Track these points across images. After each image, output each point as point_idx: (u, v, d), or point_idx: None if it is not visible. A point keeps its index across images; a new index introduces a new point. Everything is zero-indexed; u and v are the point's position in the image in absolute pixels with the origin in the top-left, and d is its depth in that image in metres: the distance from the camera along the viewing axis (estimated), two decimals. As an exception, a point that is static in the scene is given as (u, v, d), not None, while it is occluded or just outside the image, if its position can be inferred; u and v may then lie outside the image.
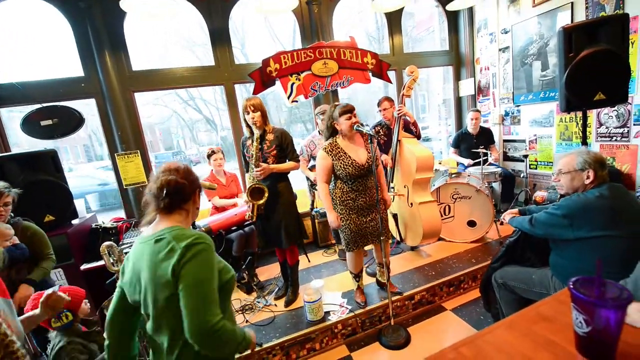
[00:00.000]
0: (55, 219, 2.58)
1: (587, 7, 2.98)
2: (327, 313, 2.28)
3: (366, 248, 2.41)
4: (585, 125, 2.51)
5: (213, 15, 3.30)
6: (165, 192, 1.01)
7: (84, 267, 2.55)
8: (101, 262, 2.32)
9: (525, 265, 1.94)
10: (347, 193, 2.17)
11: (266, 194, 2.25)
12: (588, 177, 1.62)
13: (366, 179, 2.15)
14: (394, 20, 4.08)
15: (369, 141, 1.93)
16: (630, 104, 2.82)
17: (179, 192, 1.03)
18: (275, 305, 2.50)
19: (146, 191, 1.05)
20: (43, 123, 2.82)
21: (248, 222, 2.75)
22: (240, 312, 2.44)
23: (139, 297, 1.01)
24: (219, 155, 3.11)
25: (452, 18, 4.40)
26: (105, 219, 3.03)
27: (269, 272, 3.13)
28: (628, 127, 2.89)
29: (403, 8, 3.94)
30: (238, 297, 2.66)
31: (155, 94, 14.48)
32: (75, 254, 2.57)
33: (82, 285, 2.53)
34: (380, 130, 3.15)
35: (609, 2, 2.82)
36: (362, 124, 2.08)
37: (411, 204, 2.85)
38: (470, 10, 4.21)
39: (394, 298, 2.35)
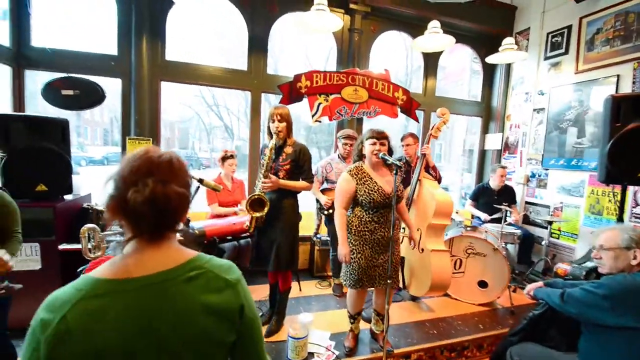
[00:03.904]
0: (48, 190, 2.44)
1: (634, 82, 2.88)
2: (311, 355, 2.01)
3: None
4: (623, 201, 2.33)
5: (255, 22, 3.32)
6: (160, 210, 0.64)
7: (62, 246, 2.36)
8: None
9: (548, 346, 1.68)
10: (365, 223, 1.97)
11: (266, 208, 2.07)
12: (635, 258, 1.43)
13: (389, 212, 1.97)
14: (431, 62, 4.07)
15: (394, 172, 1.78)
16: (673, 188, 2.63)
17: (181, 209, 0.69)
18: (255, 332, 2.23)
19: (110, 196, 0.65)
20: (64, 92, 2.77)
21: (245, 235, 2.57)
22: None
23: None
24: (234, 161, 2.99)
25: (489, 71, 4.38)
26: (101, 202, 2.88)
27: (256, 293, 2.87)
28: (668, 213, 2.68)
29: (442, 52, 3.95)
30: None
31: (183, 93, 14.91)
32: (58, 231, 2.39)
33: (55, 265, 2.36)
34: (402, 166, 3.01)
35: (659, 80, 2.72)
36: (386, 154, 1.94)
37: (422, 249, 2.62)
38: (509, 66, 4.19)
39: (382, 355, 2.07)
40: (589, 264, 2.70)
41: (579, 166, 3.35)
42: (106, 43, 3.08)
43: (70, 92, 2.80)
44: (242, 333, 0.69)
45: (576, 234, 3.38)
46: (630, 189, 2.87)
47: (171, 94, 13.50)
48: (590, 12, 3.24)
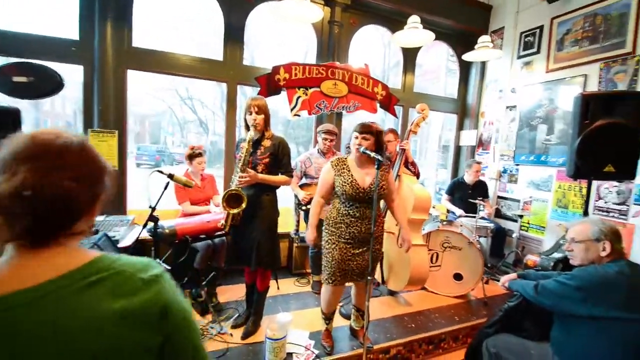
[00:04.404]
0: None
1: (600, 82, 3.03)
2: (290, 355, 1.95)
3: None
4: (588, 195, 2.44)
5: (232, 10, 3.17)
6: (36, 207, 0.51)
7: None
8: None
9: (521, 336, 1.72)
10: (342, 216, 1.95)
11: (244, 204, 1.98)
12: (604, 249, 1.48)
13: (367, 207, 1.95)
14: (410, 57, 4.08)
15: (376, 167, 1.74)
16: (633, 182, 2.79)
17: (77, 206, 0.57)
18: (231, 335, 2.14)
19: None
20: (16, 79, 2.49)
21: (219, 233, 2.45)
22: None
23: None
24: (203, 159, 2.75)
25: (464, 68, 4.46)
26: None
27: (232, 293, 2.77)
28: (627, 206, 2.84)
29: (421, 48, 3.97)
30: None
31: (154, 84, 14.22)
32: None
33: None
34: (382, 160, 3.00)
35: (623, 81, 2.86)
36: (367, 149, 1.90)
37: (401, 244, 2.63)
38: (483, 64, 4.29)
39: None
40: (556, 255, 2.83)
41: (548, 162, 3.49)
42: (66, 26, 2.82)
43: (24, 79, 2.53)
44: (170, 332, 0.59)
45: (544, 227, 3.54)
46: (594, 183, 3.02)
47: (141, 84, 12.83)
48: (561, 12, 3.36)
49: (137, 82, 3.00)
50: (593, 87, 3.07)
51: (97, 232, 2.03)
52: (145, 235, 2.08)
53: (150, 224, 1.79)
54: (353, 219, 1.93)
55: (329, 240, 1.97)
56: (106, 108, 2.77)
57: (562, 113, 3.37)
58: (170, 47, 3.00)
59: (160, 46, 2.95)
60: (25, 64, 2.51)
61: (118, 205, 2.88)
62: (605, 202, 3.00)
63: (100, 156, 0.62)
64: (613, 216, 2.91)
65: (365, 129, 1.90)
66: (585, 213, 2.45)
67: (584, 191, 2.69)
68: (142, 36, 3.01)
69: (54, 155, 0.54)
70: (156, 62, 2.95)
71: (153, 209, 1.76)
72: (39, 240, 0.54)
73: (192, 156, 2.72)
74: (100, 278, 0.55)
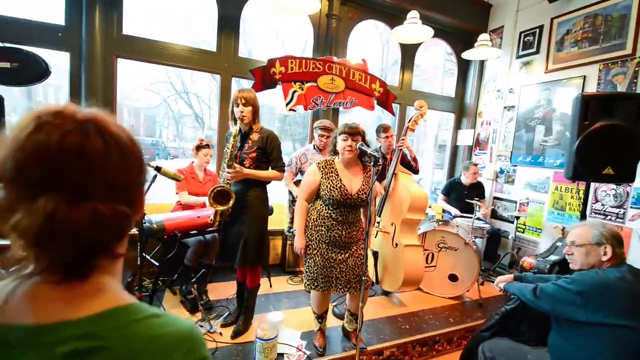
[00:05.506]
0: None
1: (599, 83, 3.00)
2: (281, 356, 1.89)
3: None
4: (587, 197, 2.41)
5: (227, 0, 3.07)
6: (78, 239, 0.39)
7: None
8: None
9: (518, 340, 1.68)
10: (323, 218, 1.88)
11: (232, 201, 1.90)
12: (605, 254, 1.44)
13: (350, 212, 1.88)
14: (409, 54, 4.03)
15: (372, 164, 1.68)
16: (631, 185, 2.77)
17: (116, 231, 0.44)
18: (221, 334, 2.07)
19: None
20: (-2, 65, 2.40)
21: (211, 229, 2.38)
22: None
23: None
24: (209, 151, 2.76)
25: (463, 67, 4.42)
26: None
27: (223, 290, 2.70)
28: (624, 209, 2.82)
29: (420, 45, 3.92)
30: (178, 315, 2.22)
31: (149, 77, 13.99)
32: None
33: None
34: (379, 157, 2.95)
35: (622, 83, 2.84)
36: (364, 144, 1.84)
37: (396, 244, 2.57)
38: (482, 63, 4.25)
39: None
40: (553, 258, 2.81)
41: (545, 163, 3.47)
42: (52, 11, 2.70)
43: (7, 65, 2.42)
44: None
45: (540, 229, 3.51)
46: (592, 186, 3.00)
47: (136, 77, 12.60)
48: (561, 12, 3.33)
49: (129, 73, 2.89)
50: (592, 88, 3.04)
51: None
52: (133, 230, 2.00)
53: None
54: (335, 222, 1.87)
55: (310, 245, 1.90)
56: (93, 98, 2.66)
57: (560, 114, 3.34)
58: (162, 36, 2.88)
59: (151, 34, 2.84)
60: (8, 49, 2.40)
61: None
62: (603, 205, 2.98)
63: (135, 141, 0.47)
64: (610, 219, 2.90)
65: (355, 130, 1.84)
66: (583, 216, 2.42)
67: (582, 193, 2.66)
68: (134, 24, 2.90)
69: (78, 166, 0.39)
70: (147, 50, 2.84)
71: (139, 203, 1.68)
72: (83, 274, 0.42)
73: (199, 147, 2.74)
74: (83, 351, 0.38)
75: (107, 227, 0.41)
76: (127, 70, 2.81)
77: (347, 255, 1.89)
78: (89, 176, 0.40)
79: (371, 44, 11.38)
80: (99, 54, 2.65)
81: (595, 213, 3.02)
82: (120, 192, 0.43)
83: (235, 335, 2.06)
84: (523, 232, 3.68)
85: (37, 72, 2.47)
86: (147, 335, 0.41)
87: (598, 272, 1.39)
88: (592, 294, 1.34)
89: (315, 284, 1.89)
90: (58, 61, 2.53)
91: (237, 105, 1.95)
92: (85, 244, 0.40)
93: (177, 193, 2.68)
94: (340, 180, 1.85)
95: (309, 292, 2.79)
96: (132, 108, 18.27)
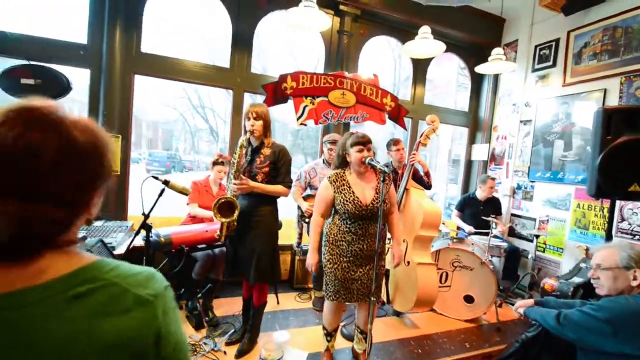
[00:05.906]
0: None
1: (620, 97, 2.88)
2: (285, 378, 1.82)
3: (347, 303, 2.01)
4: (612, 216, 2.27)
5: (241, 17, 3.16)
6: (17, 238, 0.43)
7: None
8: None
9: (540, 371, 1.56)
10: (343, 233, 1.84)
11: (237, 212, 1.88)
12: (635, 278, 1.33)
13: (369, 224, 1.84)
14: (420, 69, 4.01)
15: (382, 180, 1.64)
16: (660, 204, 2.61)
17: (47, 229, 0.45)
18: (225, 353, 2.02)
19: None
20: (24, 81, 2.51)
21: (219, 243, 2.36)
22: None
23: None
24: (223, 168, 2.79)
25: (476, 81, 4.36)
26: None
27: (229, 306, 2.65)
28: (654, 229, 2.65)
29: (432, 60, 3.91)
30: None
31: (167, 92, 14.51)
32: None
33: None
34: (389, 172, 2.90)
35: (646, 96, 2.72)
36: (373, 159, 1.81)
37: (408, 262, 2.49)
38: (496, 77, 4.18)
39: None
40: (576, 280, 2.63)
41: (565, 179, 3.32)
42: (75, 30, 2.84)
43: (31, 82, 2.54)
44: None
45: (562, 248, 3.33)
46: (617, 203, 2.84)
47: (153, 92, 13.11)
48: (578, 25, 3.25)
49: (148, 88, 2.99)
50: (613, 102, 2.93)
51: (85, 238, 1.95)
52: (141, 243, 2.00)
53: (143, 232, 1.71)
54: (355, 237, 1.83)
55: (330, 260, 1.87)
56: (111, 112, 2.75)
57: (580, 129, 3.22)
58: (177, 53, 2.98)
59: (168, 52, 2.95)
60: (33, 67, 2.52)
61: (119, 211, 2.83)
62: (630, 224, 2.80)
63: (98, 147, 0.49)
64: (639, 239, 2.72)
65: (368, 140, 1.82)
66: (609, 236, 2.27)
67: (606, 211, 2.51)
68: (150, 42, 3.01)
69: (27, 168, 0.42)
70: (163, 68, 2.94)
71: (146, 216, 1.68)
72: (21, 256, 0.44)
73: (215, 162, 2.79)
74: (89, 290, 0.45)
75: (24, 227, 0.42)
76: (147, 86, 2.91)
77: (368, 267, 1.86)
78: (42, 176, 0.43)
79: (383, 60, 11.48)
80: (118, 71, 2.75)
81: (622, 233, 2.84)
82: (54, 194, 0.44)
83: (240, 354, 2.00)
84: (543, 252, 3.50)
85: (59, 88, 2.58)
86: (130, 272, 0.50)
87: (628, 299, 1.29)
88: (622, 323, 1.23)
89: (337, 296, 1.87)
90: (75, 77, 2.63)
91: (249, 119, 1.96)
92: (5, 238, 0.41)
93: (188, 204, 2.70)
94: (353, 192, 1.82)
95: (320, 310, 2.73)
96: (150, 122, 18.92)
